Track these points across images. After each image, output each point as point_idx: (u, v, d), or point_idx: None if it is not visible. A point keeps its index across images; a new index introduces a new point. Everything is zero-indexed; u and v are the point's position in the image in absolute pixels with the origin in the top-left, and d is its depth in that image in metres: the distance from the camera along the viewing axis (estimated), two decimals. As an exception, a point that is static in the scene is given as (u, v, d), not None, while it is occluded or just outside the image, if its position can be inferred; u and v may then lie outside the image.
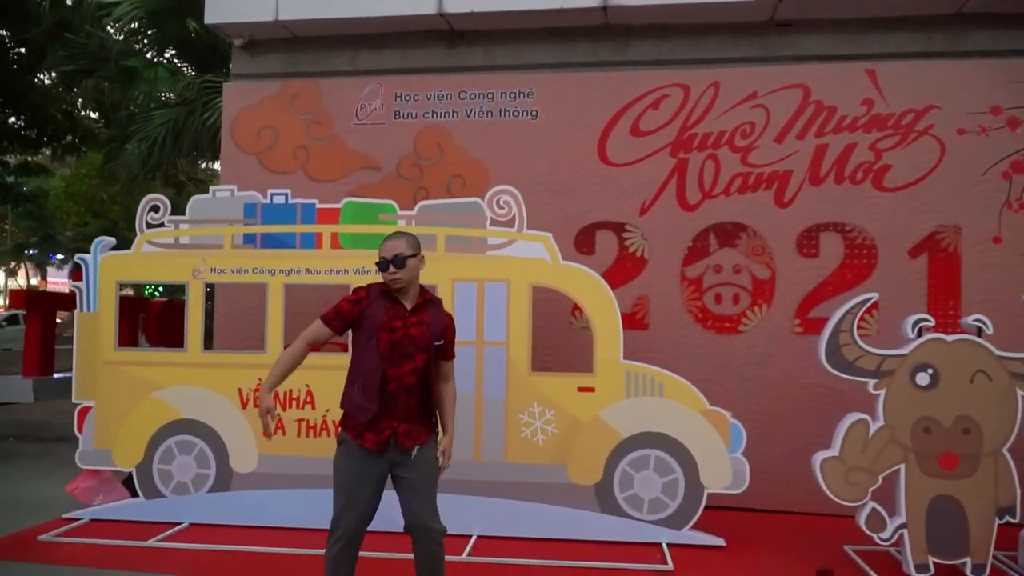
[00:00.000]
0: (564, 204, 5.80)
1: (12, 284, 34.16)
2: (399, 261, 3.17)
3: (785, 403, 5.47)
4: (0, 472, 7.09)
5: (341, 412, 3.27)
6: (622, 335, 4.74)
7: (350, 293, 3.35)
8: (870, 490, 4.10)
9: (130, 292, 24.65)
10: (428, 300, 3.29)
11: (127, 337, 11.19)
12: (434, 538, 3.14)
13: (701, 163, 5.72)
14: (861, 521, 4.13)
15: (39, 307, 10.06)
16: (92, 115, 15.94)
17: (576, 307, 5.65)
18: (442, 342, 3.25)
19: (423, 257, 3.29)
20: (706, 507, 4.62)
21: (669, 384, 4.68)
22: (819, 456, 4.16)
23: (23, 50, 12.69)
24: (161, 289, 20.05)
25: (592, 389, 4.71)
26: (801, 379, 5.44)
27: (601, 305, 4.75)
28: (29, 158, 19.67)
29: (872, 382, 4.15)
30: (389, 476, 3.21)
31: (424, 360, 3.18)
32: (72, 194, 21.93)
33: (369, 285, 3.32)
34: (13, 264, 32.78)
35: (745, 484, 4.57)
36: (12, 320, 22.29)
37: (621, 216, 5.78)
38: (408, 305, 3.23)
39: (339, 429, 3.25)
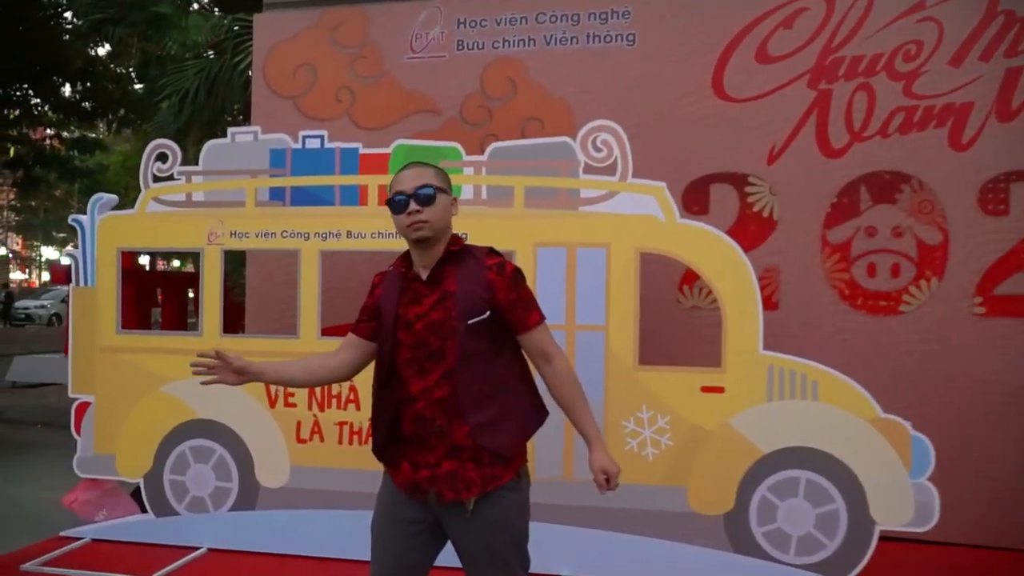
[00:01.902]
0: (669, 152, 4.57)
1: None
2: (425, 195, 2.04)
3: (964, 405, 4.20)
4: (16, 465, 6.34)
5: None
6: (762, 318, 3.56)
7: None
8: None
9: (189, 266, 24.49)
10: (451, 256, 2.11)
11: (175, 318, 10.36)
12: None
13: (849, 95, 4.44)
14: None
15: (81, 282, 9.28)
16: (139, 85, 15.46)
17: (686, 279, 4.50)
18: (487, 314, 2.06)
19: (456, 201, 2.17)
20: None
21: (826, 383, 3.48)
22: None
23: (73, 15, 12.11)
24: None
25: (721, 389, 3.54)
26: (984, 374, 4.19)
27: (734, 278, 3.56)
28: (87, 134, 19.60)
29: None
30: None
31: (459, 353, 2.04)
32: (129, 168, 21.93)
33: (394, 263, 2.23)
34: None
35: (933, 520, 3.36)
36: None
37: (743, 166, 4.55)
38: (425, 275, 2.11)
39: None
